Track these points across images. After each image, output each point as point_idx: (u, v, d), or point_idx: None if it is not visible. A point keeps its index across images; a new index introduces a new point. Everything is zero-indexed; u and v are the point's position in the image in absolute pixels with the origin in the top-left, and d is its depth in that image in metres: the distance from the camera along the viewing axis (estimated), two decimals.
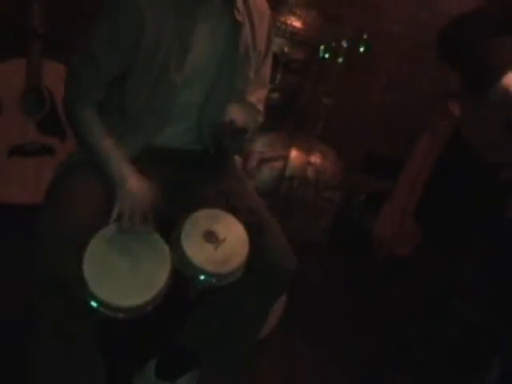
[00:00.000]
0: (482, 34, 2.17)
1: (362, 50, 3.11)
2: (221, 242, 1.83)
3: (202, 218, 1.85)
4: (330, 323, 2.72)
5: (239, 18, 1.87)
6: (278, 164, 3.21)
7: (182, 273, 1.80)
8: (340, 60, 3.07)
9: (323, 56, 3.12)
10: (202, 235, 1.83)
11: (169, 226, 1.81)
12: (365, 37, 3.10)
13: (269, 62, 2.07)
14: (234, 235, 1.86)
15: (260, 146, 3.17)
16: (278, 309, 2.42)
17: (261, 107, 2.08)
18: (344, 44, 3.04)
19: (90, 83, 1.85)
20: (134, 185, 1.77)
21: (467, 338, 2.51)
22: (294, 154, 3.24)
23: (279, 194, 3.18)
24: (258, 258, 1.81)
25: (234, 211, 1.88)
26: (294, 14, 3.22)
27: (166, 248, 1.78)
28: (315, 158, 3.28)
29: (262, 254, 1.83)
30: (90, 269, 1.65)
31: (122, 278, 1.72)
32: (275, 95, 3.14)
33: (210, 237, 1.83)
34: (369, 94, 3.53)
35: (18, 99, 2.64)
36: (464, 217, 2.47)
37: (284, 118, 3.28)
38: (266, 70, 2.08)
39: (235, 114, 1.78)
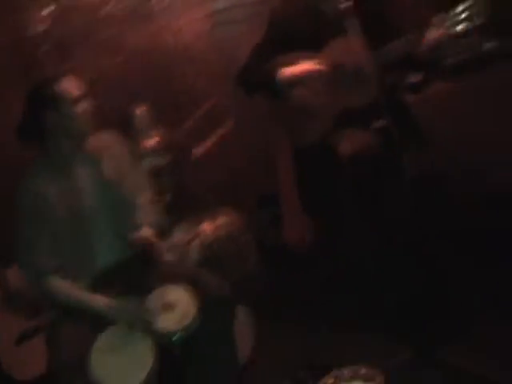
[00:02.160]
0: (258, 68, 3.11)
1: None
2: (175, 306, 2.56)
3: (154, 299, 2.57)
4: None
5: (94, 156, 2.64)
6: (197, 240, 3.98)
7: (161, 343, 2.44)
8: None
9: None
10: (160, 310, 2.53)
11: None
12: None
13: (137, 174, 2.86)
14: (180, 296, 2.58)
15: (176, 236, 3.98)
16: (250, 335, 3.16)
17: (151, 208, 2.85)
18: None
19: (41, 262, 2.56)
20: (117, 301, 2.49)
21: None
22: (203, 227, 4.00)
23: (210, 260, 3.99)
24: (201, 301, 2.54)
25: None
26: (146, 137, 4.08)
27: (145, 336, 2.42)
28: (220, 220, 4.10)
29: (203, 296, 2.56)
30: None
31: (119, 369, 2.33)
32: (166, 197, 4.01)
33: (166, 307, 2.55)
34: None
35: None
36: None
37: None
38: (138, 178, 2.86)
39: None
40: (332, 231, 3.37)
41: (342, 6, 2.72)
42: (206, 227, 4.01)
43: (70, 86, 2.59)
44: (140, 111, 3.92)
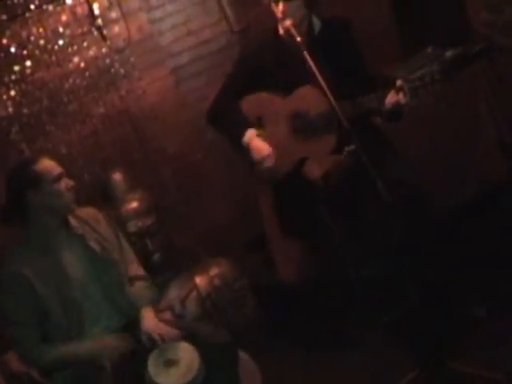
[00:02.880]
0: (227, 109, 3.28)
1: None
2: (178, 362, 2.56)
3: (156, 356, 2.57)
4: None
5: (78, 232, 2.69)
6: (194, 294, 4.05)
7: None
8: None
9: None
10: (163, 367, 2.54)
11: None
12: None
13: (126, 244, 2.91)
14: (182, 351, 2.59)
15: (172, 293, 4.01)
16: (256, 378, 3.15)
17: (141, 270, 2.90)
18: None
19: (27, 335, 2.59)
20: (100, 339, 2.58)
21: None
22: (197, 279, 4.09)
23: (209, 311, 4.01)
24: (203, 352, 2.56)
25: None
26: (126, 201, 4.13)
27: None
28: (213, 270, 4.14)
29: (204, 347, 2.58)
30: None
31: None
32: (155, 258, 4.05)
33: (170, 363, 2.55)
34: None
35: None
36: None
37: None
38: (128, 249, 2.91)
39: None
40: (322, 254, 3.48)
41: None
42: (201, 280, 4.04)
43: (49, 165, 2.63)
44: (116, 177, 3.97)
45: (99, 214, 2.87)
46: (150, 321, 2.71)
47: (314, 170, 3.15)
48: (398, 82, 2.78)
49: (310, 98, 3.10)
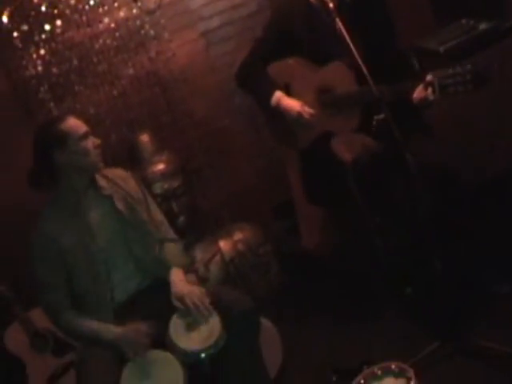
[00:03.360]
0: (256, 71, 3.27)
1: None
2: (200, 325, 2.57)
3: (177, 319, 2.58)
4: None
5: (106, 192, 2.71)
6: (217, 258, 4.08)
7: (189, 363, 2.48)
8: None
9: None
10: (185, 330, 2.55)
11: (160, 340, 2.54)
12: None
13: (154, 205, 2.89)
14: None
15: (196, 256, 4.04)
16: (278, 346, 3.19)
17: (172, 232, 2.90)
18: None
19: (56, 300, 2.63)
20: (123, 331, 2.54)
21: None
22: (221, 244, 4.11)
23: (232, 275, 4.04)
24: (225, 318, 2.56)
25: None
26: (153, 163, 4.14)
27: (169, 355, 2.45)
28: (237, 235, 4.16)
29: (227, 313, 2.58)
30: None
31: None
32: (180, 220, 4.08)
33: (191, 327, 2.56)
34: None
35: None
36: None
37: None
38: (156, 210, 2.90)
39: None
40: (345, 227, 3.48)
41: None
42: (224, 244, 4.07)
43: (75, 124, 2.63)
44: (144, 138, 3.98)
45: (127, 174, 2.88)
46: (182, 285, 2.70)
47: (344, 152, 3.14)
48: (429, 77, 2.65)
49: (340, 75, 3.07)
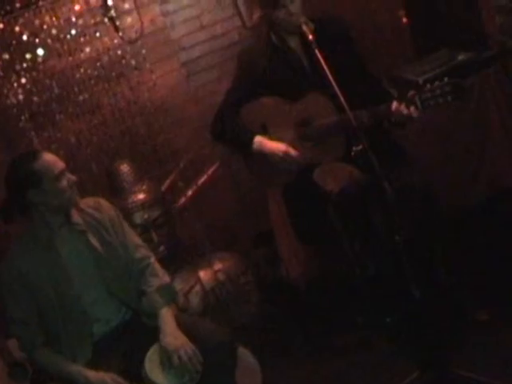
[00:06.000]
0: (230, 122, 3.27)
1: None
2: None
3: (153, 354, 2.54)
4: None
5: (80, 228, 2.63)
6: (197, 288, 4.05)
7: None
8: None
9: None
10: (160, 364, 2.51)
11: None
12: None
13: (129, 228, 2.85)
14: None
15: (176, 286, 3.99)
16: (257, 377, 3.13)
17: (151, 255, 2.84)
18: None
19: (27, 336, 2.57)
20: (95, 378, 2.49)
21: None
22: (201, 273, 4.08)
23: (212, 305, 4.01)
24: (201, 350, 2.51)
25: None
26: (133, 193, 4.11)
27: None
28: (217, 265, 4.13)
29: (203, 345, 2.54)
30: None
31: None
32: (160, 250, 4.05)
33: (167, 362, 2.50)
34: None
35: None
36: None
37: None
38: (132, 233, 2.85)
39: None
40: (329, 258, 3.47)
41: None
42: (204, 274, 4.05)
43: (50, 162, 2.55)
44: (124, 168, 3.96)
45: (98, 200, 2.80)
46: (173, 336, 2.59)
47: (329, 184, 3.14)
48: (410, 93, 2.71)
49: (318, 106, 3.09)
